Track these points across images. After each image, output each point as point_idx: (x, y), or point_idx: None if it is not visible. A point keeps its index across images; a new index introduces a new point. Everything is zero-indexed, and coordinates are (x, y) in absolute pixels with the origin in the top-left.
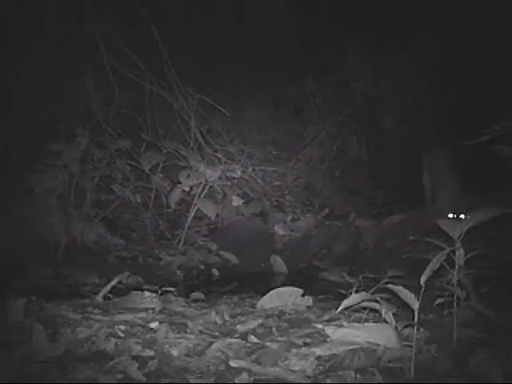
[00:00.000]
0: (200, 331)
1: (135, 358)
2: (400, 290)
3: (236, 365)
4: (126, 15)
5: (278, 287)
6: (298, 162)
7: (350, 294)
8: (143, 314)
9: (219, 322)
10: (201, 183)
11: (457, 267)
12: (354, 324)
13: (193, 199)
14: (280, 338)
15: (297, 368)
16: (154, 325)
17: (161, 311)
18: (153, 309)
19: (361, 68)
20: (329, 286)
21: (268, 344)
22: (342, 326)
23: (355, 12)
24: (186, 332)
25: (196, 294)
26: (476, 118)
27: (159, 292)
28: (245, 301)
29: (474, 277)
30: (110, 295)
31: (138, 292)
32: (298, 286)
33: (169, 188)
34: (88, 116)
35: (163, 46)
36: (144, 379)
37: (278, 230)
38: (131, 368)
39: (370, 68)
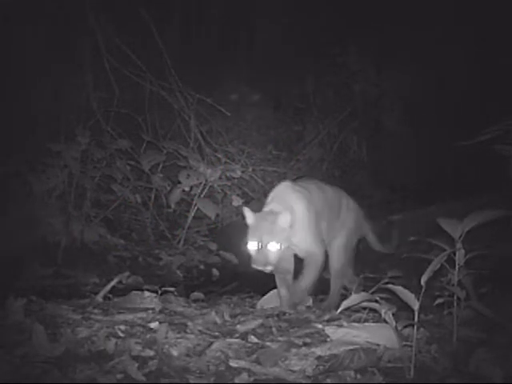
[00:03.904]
0: (200, 331)
1: (135, 358)
2: (400, 290)
3: (236, 365)
4: (127, 15)
5: None
6: (298, 162)
7: (350, 294)
8: (143, 314)
9: (219, 322)
10: (201, 183)
11: (457, 267)
12: (354, 324)
13: (193, 199)
14: (280, 338)
15: (297, 368)
16: (153, 325)
17: (161, 311)
18: (153, 309)
19: (361, 68)
20: (329, 286)
21: (268, 344)
22: (341, 326)
23: (355, 12)
24: (186, 332)
25: (196, 294)
26: (476, 117)
27: (159, 292)
28: (245, 301)
29: (474, 277)
30: (110, 295)
31: (138, 292)
32: None
33: (169, 188)
34: (88, 116)
35: (163, 45)
36: (144, 379)
37: None
38: (131, 368)
39: (371, 68)
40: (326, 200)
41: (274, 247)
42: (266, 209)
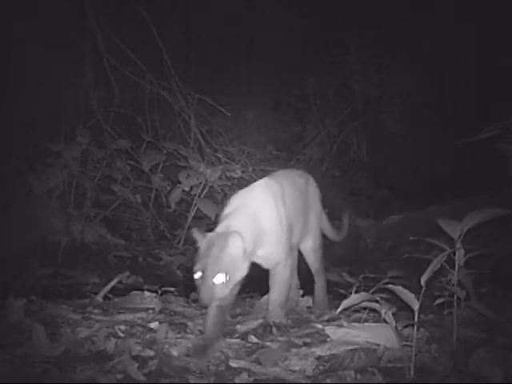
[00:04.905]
0: (200, 331)
1: (135, 358)
2: (400, 290)
3: (236, 365)
4: (126, 15)
5: None
6: (298, 162)
7: (350, 294)
8: (143, 314)
9: None
10: (201, 183)
11: (457, 267)
12: (354, 324)
13: (193, 199)
14: (280, 338)
15: (297, 368)
16: (153, 325)
17: (161, 311)
18: (153, 309)
19: (361, 68)
20: (329, 286)
21: (268, 344)
22: (342, 326)
23: (355, 11)
24: (186, 332)
25: (196, 294)
26: (476, 117)
27: (159, 292)
28: (245, 301)
29: (474, 277)
30: (110, 295)
31: (138, 292)
32: None
33: (169, 188)
34: (88, 116)
35: (163, 45)
36: (144, 379)
37: None
38: (131, 368)
39: (371, 68)
40: (300, 194)
41: (219, 280)
42: (222, 224)
